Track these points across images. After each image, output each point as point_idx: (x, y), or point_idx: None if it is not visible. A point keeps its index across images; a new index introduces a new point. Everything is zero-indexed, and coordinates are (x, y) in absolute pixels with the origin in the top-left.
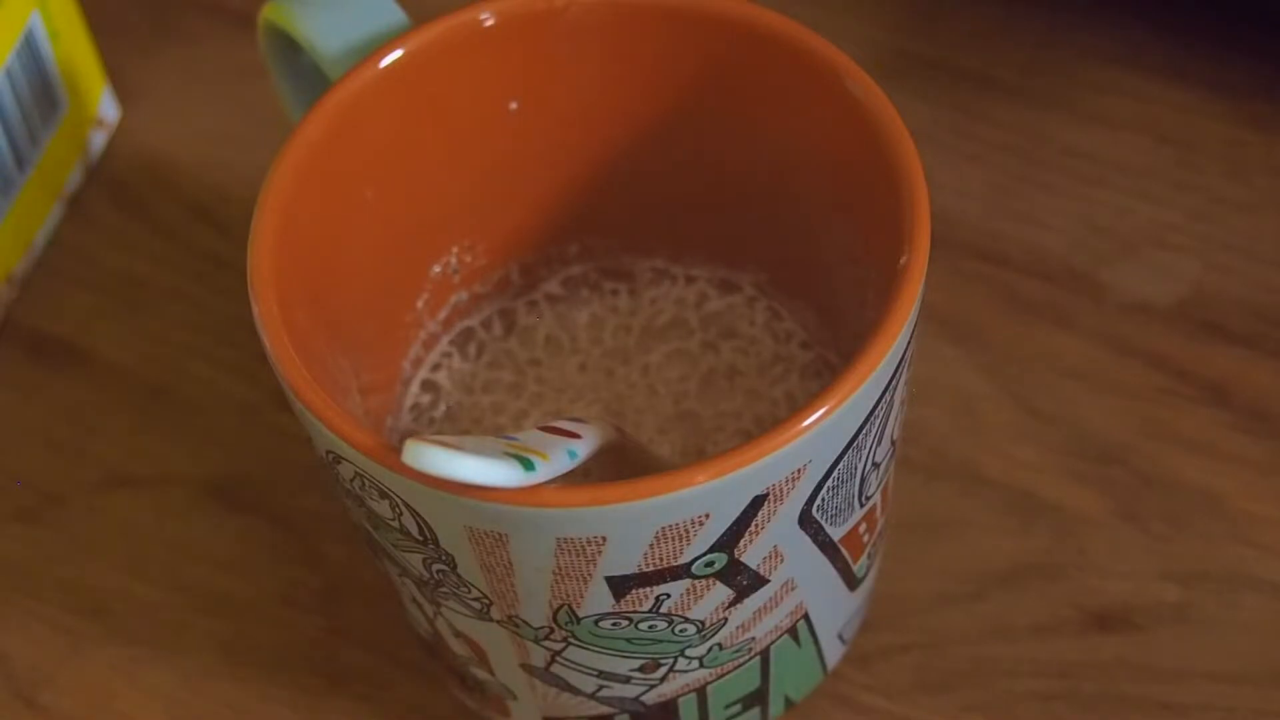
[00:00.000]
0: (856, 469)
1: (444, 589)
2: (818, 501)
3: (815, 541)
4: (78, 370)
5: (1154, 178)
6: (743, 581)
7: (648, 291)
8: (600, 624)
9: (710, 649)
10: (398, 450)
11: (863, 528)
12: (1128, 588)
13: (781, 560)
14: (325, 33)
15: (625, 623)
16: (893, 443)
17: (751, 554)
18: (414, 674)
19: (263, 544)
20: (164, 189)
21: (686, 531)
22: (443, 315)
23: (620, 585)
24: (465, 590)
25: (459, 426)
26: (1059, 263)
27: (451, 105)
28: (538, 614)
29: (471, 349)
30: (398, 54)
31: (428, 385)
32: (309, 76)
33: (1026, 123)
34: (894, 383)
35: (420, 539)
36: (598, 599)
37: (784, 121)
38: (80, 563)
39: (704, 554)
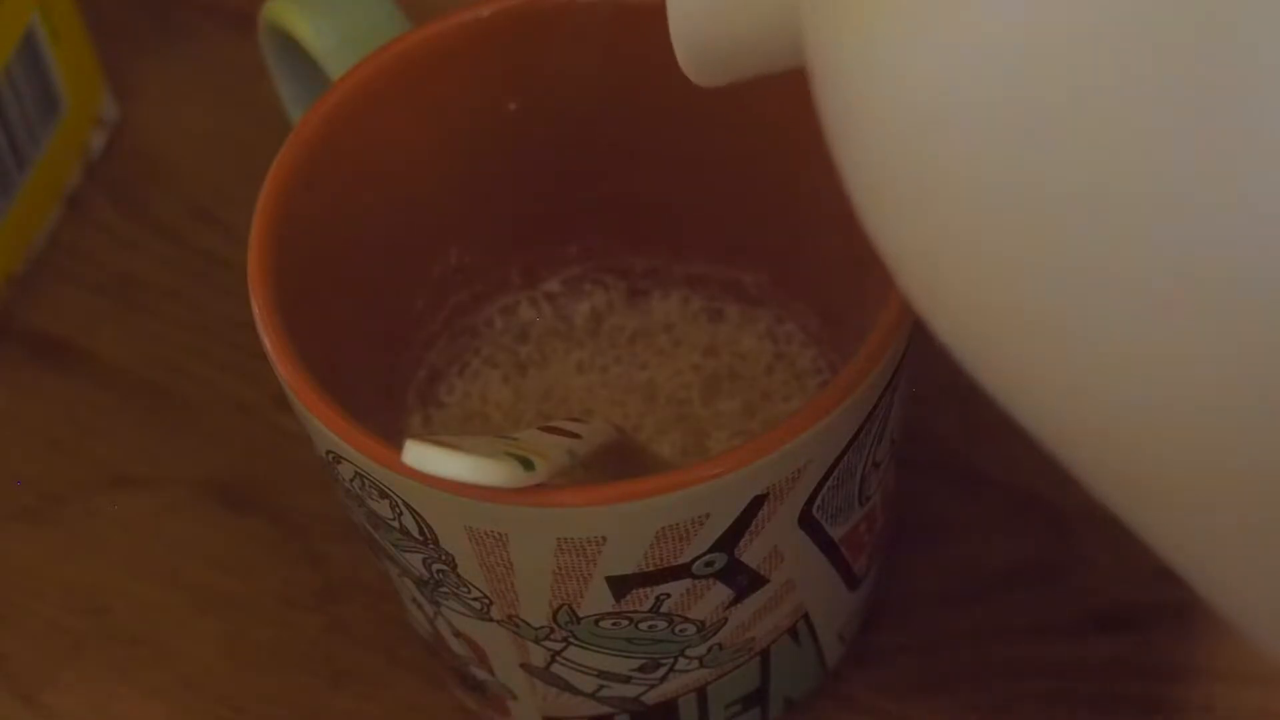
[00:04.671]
0: (856, 469)
1: (444, 589)
2: (818, 501)
3: (815, 541)
4: (78, 370)
5: None
6: (743, 581)
7: (647, 291)
8: (600, 624)
9: (710, 649)
10: (398, 450)
11: (863, 528)
12: (1128, 588)
13: (781, 560)
14: (325, 33)
15: (625, 623)
16: (893, 443)
17: (751, 554)
18: (414, 674)
19: (263, 544)
20: (164, 189)
21: (686, 531)
22: (443, 315)
23: (620, 585)
24: (465, 590)
25: (458, 426)
26: None
27: (451, 105)
28: (538, 614)
29: (471, 348)
30: (397, 54)
31: (427, 384)
32: (309, 76)
33: None
34: (894, 383)
35: (420, 539)
36: (598, 599)
37: (784, 121)
38: (80, 563)
39: (704, 554)
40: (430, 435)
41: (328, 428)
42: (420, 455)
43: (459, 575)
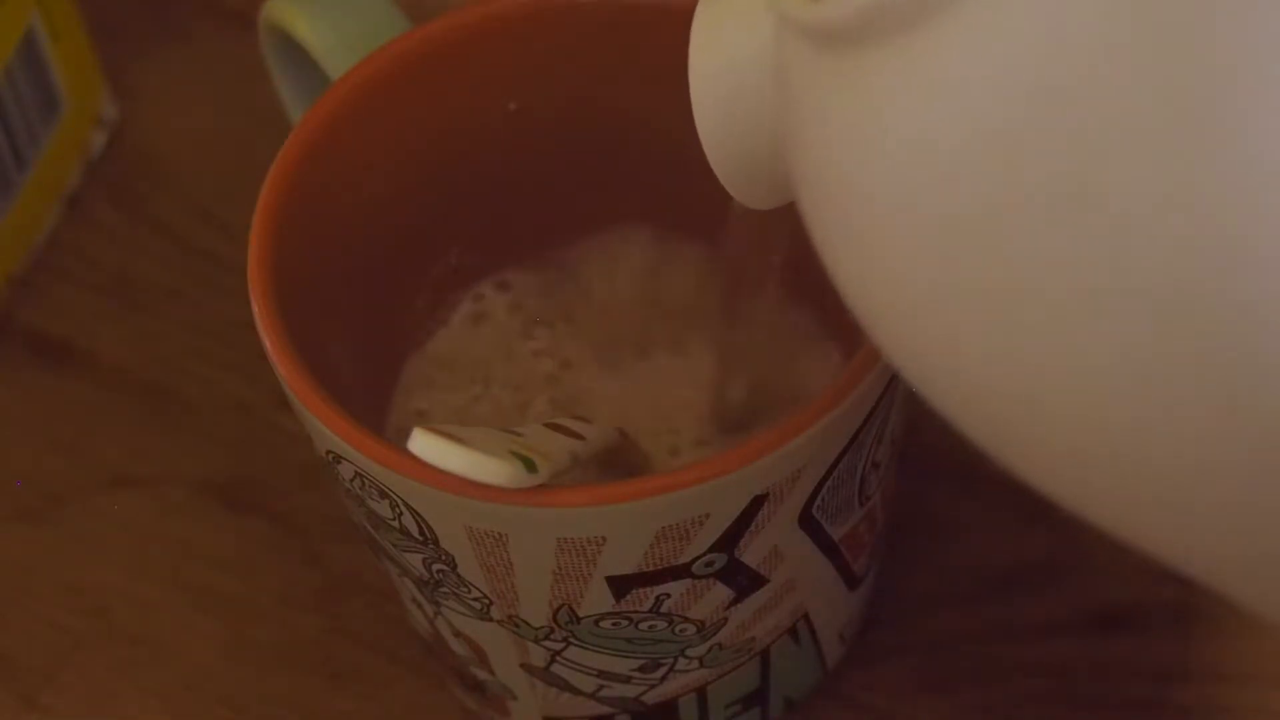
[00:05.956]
0: (857, 469)
1: (444, 589)
2: (818, 501)
3: (815, 541)
4: (78, 370)
5: None
6: (743, 581)
7: (647, 290)
8: (600, 624)
9: (710, 649)
10: (398, 450)
11: (863, 528)
12: (1128, 588)
13: (782, 560)
14: (325, 33)
15: (625, 623)
16: (893, 443)
17: (751, 554)
18: (414, 674)
19: (263, 544)
20: (164, 189)
21: (686, 531)
22: (442, 315)
23: (620, 585)
24: (465, 590)
25: (458, 425)
26: None
27: (451, 105)
28: (538, 614)
29: (470, 348)
30: (397, 54)
31: (427, 384)
32: (309, 76)
33: None
34: (894, 383)
35: (420, 539)
36: (598, 599)
37: None
38: (80, 563)
39: (704, 554)
40: (438, 425)
41: (328, 428)
42: (426, 445)
43: (459, 575)
